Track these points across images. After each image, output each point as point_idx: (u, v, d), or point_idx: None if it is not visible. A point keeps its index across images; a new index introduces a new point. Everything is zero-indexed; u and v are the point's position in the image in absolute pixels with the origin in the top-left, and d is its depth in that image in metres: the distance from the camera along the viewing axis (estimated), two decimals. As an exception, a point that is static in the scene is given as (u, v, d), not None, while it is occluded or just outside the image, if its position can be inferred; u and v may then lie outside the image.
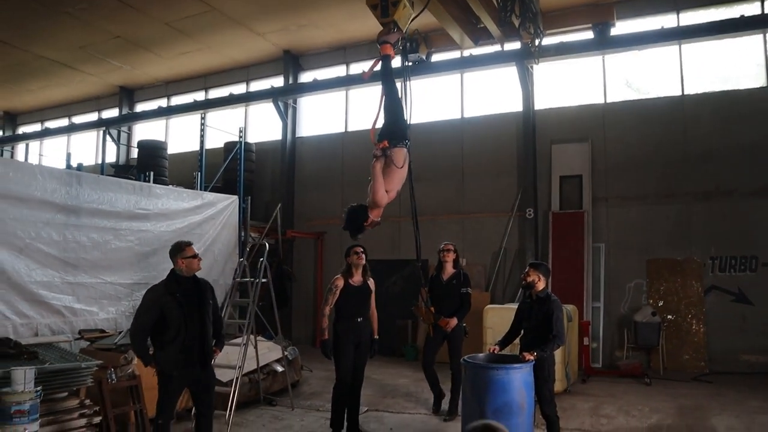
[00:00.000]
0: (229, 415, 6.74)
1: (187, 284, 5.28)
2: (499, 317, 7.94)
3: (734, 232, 9.94)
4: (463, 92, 12.66)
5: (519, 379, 5.19)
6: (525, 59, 11.14)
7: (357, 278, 6.53)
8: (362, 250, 6.58)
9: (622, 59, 11.32)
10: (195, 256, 5.32)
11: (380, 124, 5.82)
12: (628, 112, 10.95)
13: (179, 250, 5.29)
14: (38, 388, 5.29)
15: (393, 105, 5.77)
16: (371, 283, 6.69)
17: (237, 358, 7.21)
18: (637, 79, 11.30)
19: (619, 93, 11.31)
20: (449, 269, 7.54)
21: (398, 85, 6.03)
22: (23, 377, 5.20)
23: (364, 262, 6.55)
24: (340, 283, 6.47)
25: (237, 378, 7.06)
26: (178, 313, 5.12)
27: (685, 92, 10.69)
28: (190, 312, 5.18)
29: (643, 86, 11.22)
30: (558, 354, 6.77)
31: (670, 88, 10.86)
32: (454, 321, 7.24)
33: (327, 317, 6.46)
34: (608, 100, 11.29)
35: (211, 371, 5.44)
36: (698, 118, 10.41)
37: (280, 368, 8.30)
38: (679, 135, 10.49)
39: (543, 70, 11.77)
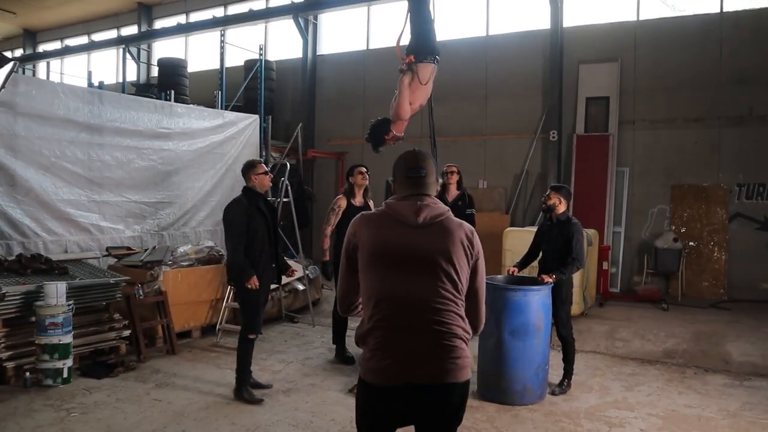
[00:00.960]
0: (253, 330, 6.95)
1: (262, 200, 5.50)
2: (518, 240, 7.95)
3: (765, 159, 9.66)
4: (489, 8, 12.20)
5: (537, 301, 5.25)
6: (555, -27, 10.65)
7: (359, 199, 6.46)
8: (366, 170, 6.49)
9: (658, -27, 10.75)
10: (266, 172, 5.49)
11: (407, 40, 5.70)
12: (662, 31, 10.48)
13: (251, 167, 5.46)
14: (70, 302, 5.51)
15: (419, 19, 5.63)
16: (372, 204, 6.59)
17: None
18: (674, -6, 10.75)
19: (653, 10, 10.77)
20: (453, 191, 7.42)
21: None
22: (55, 291, 5.41)
23: (367, 182, 6.48)
24: (343, 203, 6.37)
25: (260, 295, 7.24)
26: (263, 224, 5.33)
27: (724, 9, 10.16)
28: (272, 227, 5.45)
29: (680, 3, 10.67)
30: (576, 277, 6.81)
31: (708, 5, 10.31)
32: None
33: (329, 238, 6.36)
34: (641, 18, 10.78)
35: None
36: (736, 37, 9.91)
37: (301, 287, 8.49)
38: (714, 56, 10.05)
39: (574, -15, 11.28)
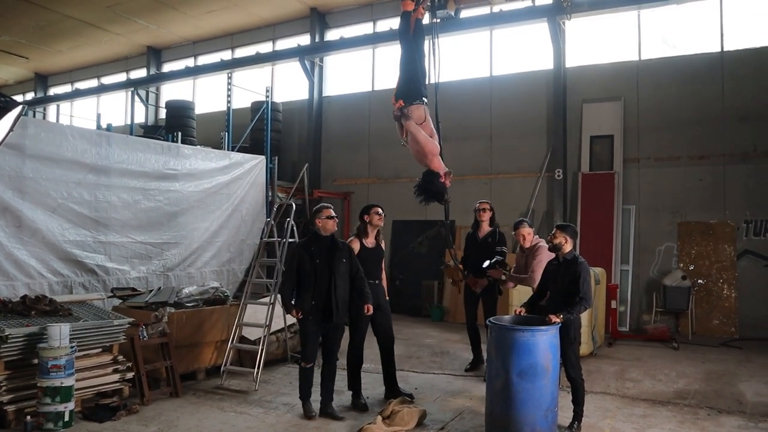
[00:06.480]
0: (257, 372, 6.87)
1: (323, 243, 5.88)
2: (525, 279, 7.88)
3: (771, 195, 9.64)
4: (492, 50, 12.38)
5: (544, 342, 5.16)
6: (557, 15, 10.88)
7: (371, 240, 6.38)
8: (382, 211, 6.41)
9: (658, 14, 10.90)
10: (331, 217, 5.92)
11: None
12: (664, 70, 10.61)
13: (318, 211, 5.98)
14: (73, 344, 5.46)
15: (407, 64, 5.82)
16: (383, 245, 6.58)
17: (264, 317, 7.31)
18: (674, 35, 10.87)
19: (655, 50, 10.92)
20: (485, 227, 7.46)
21: (426, 42, 5.98)
22: (59, 333, 5.37)
23: (382, 224, 6.43)
24: (356, 245, 6.26)
25: (264, 336, 7.17)
26: (309, 266, 5.77)
27: (725, 48, 10.28)
28: (321, 267, 5.77)
29: (680, 42, 10.80)
30: (584, 317, 6.73)
31: (709, 45, 10.45)
32: (484, 282, 7.24)
33: None
34: (643, 57, 10.93)
35: (340, 324, 5.95)
36: (737, 75, 10.03)
37: (307, 327, 8.38)
38: (716, 93, 10.13)
39: (575, 27, 11.44)
